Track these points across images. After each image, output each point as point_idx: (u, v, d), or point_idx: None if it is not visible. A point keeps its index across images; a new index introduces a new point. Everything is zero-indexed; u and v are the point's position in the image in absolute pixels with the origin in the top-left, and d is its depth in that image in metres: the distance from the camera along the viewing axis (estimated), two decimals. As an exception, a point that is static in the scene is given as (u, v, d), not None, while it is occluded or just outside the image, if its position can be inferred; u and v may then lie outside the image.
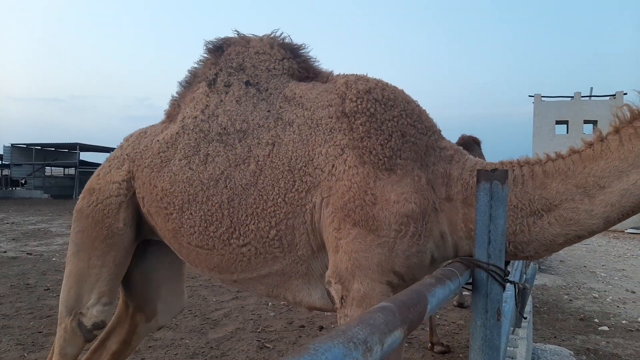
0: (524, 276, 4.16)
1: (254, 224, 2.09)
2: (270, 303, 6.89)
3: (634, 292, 8.26)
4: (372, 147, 1.95)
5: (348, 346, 0.62)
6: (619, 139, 1.76)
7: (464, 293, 7.39)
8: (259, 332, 5.62)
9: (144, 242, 2.66)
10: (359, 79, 2.17)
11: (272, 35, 2.43)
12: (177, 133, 2.37)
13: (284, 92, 2.25)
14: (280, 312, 6.43)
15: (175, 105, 2.57)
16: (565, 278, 9.25)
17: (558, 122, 19.45)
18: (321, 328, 5.78)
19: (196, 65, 2.56)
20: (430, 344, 4.97)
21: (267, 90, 2.29)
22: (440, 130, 2.19)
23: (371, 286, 1.82)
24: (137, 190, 2.45)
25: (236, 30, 2.48)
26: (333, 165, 1.98)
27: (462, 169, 2.01)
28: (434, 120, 2.21)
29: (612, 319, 6.59)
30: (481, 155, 5.89)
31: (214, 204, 2.16)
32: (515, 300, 2.57)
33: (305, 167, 2.02)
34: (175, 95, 2.61)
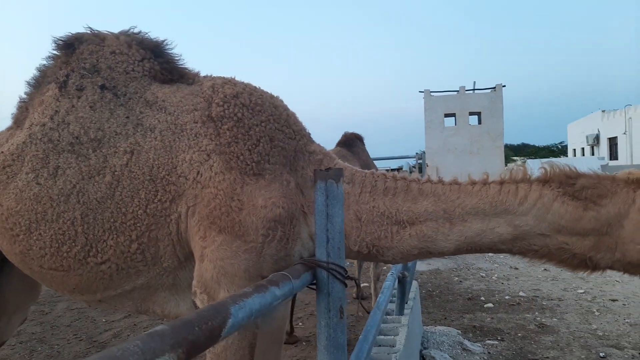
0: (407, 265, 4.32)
1: (112, 239, 1.96)
2: (165, 319, 6.58)
3: (517, 269, 8.98)
4: (239, 153, 1.91)
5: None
6: (499, 189, 1.89)
7: (363, 285, 7.59)
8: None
9: None
10: (226, 82, 2.10)
11: (129, 33, 2.25)
12: (23, 143, 2.14)
13: (144, 96, 2.11)
14: (177, 325, 6.16)
15: (23, 109, 2.31)
16: (457, 260, 9.83)
17: (447, 115, 20.72)
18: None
19: (45, 63, 2.30)
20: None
21: (125, 94, 2.12)
22: (309, 134, 2.19)
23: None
24: None
25: (89, 27, 2.26)
26: (198, 172, 1.89)
27: None
28: (304, 124, 2.22)
29: (496, 295, 7.10)
30: (364, 151, 6.05)
31: (65, 221, 1.98)
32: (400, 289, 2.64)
33: (168, 175, 1.91)
34: (23, 96, 2.33)
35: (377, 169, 6.38)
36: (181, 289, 2.05)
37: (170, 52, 2.25)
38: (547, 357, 4.70)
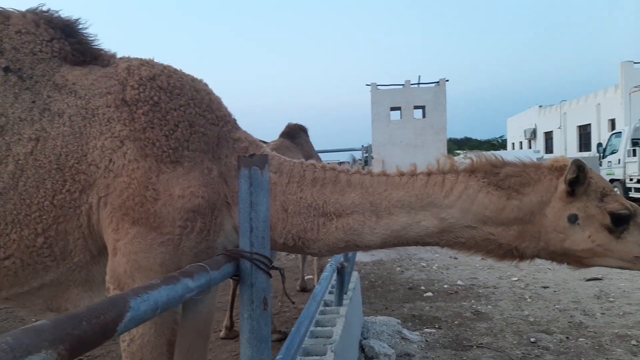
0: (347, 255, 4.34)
1: (15, 232, 1.80)
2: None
3: (456, 258, 9.25)
4: (155, 139, 1.79)
5: None
6: (426, 181, 1.88)
7: (307, 277, 7.60)
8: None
9: None
10: (143, 64, 1.96)
11: (37, 10, 2.07)
12: None
13: (53, 79, 1.95)
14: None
15: None
16: (400, 251, 10.03)
17: (392, 109, 21.11)
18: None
19: None
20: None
21: (32, 77, 1.95)
22: (235, 121, 2.09)
23: None
24: None
25: None
26: (111, 160, 1.77)
27: None
28: (229, 110, 2.10)
29: (436, 284, 7.30)
30: (307, 142, 6.02)
31: None
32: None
33: (77, 164, 1.78)
34: None
35: (321, 161, 6.38)
36: (95, 285, 1.93)
37: (83, 31, 2.09)
38: (482, 343, 4.86)
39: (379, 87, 21.02)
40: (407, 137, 20.80)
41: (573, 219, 1.76)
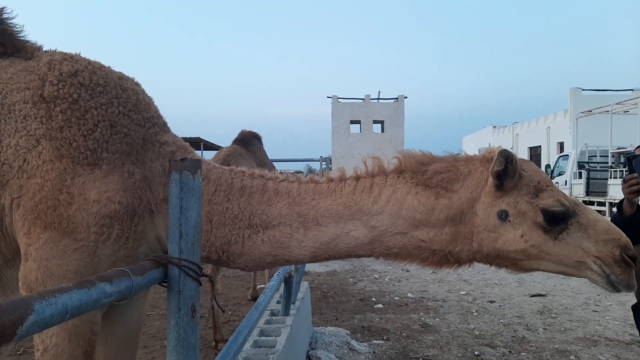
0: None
1: None
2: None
3: (408, 271, 9.38)
4: (72, 139, 1.70)
5: None
6: (354, 187, 1.77)
7: (260, 286, 7.52)
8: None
9: None
10: (67, 58, 1.87)
11: None
12: None
13: None
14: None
15: None
16: (354, 262, 10.09)
17: (352, 122, 21.37)
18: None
19: None
20: (215, 342, 4.90)
21: None
22: (164, 123, 2.00)
23: None
24: None
25: None
26: (25, 160, 1.68)
27: None
28: (159, 111, 2.03)
29: (387, 296, 7.37)
30: (261, 150, 6.01)
31: None
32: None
33: None
34: None
35: (275, 169, 6.37)
36: (9, 290, 1.83)
37: (5, 21, 1.98)
38: (427, 356, 4.93)
39: (339, 100, 21.23)
40: (366, 150, 21.05)
41: (503, 216, 1.63)
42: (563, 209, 1.61)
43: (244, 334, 2.25)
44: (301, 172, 9.08)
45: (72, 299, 0.96)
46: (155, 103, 2.02)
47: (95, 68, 1.87)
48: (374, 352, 5.05)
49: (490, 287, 7.92)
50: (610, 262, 1.58)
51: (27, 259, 1.64)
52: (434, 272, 9.25)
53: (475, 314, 6.40)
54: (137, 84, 1.99)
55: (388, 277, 8.81)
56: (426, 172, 1.74)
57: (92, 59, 1.92)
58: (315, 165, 15.52)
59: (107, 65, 1.94)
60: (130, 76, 1.98)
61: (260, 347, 3.13)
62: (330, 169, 15.54)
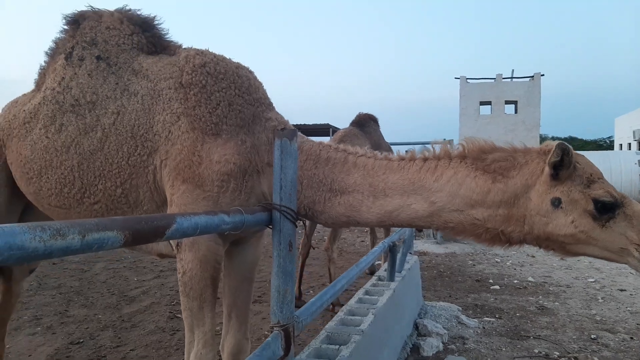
0: (402, 238, 4.61)
1: (102, 184, 2.33)
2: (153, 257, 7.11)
3: (534, 257, 9.06)
4: (201, 115, 2.20)
5: (34, 229, 0.90)
6: (420, 166, 2.00)
7: (377, 262, 7.91)
8: (173, 304, 5.84)
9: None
10: (199, 53, 2.39)
11: (122, 10, 2.61)
12: (39, 103, 2.55)
13: (132, 66, 2.45)
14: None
15: (42, 75, 2.73)
16: (475, 246, 9.98)
17: (482, 103, 20.50)
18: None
19: (58, 36, 2.70)
20: (331, 306, 5.41)
21: (116, 64, 2.47)
22: (271, 104, 2.45)
23: None
24: (7, 157, 2.66)
25: (90, 5, 2.64)
26: (170, 131, 2.22)
27: None
28: (267, 93, 2.47)
29: (505, 279, 7.28)
30: (376, 131, 6.31)
31: (66, 167, 2.38)
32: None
33: (146, 133, 2.26)
34: (43, 64, 2.75)
35: (390, 150, 6.64)
36: None
37: (157, 27, 2.59)
38: (539, 335, 4.90)
39: (468, 80, 20.49)
40: (496, 133, 20.13)
41: (556, 203, 1.77)
42: (612, 200, 1.74)
43: (341, 283, 2.63)
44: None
45: (201, 220, 1.41)
46: (264, 87, 2.48)
47: (218, 60, 2.37)
48: (484, 327, 5.14)
49: (623, 276, 7.37)
50: None
51: (171, 204, 2.19)
52: (561, 258, 8.82)
53: (600, 300, 6.09)
54: (250, 72, 2.46)
55: (510, 261, 8.62)
56: (486, 160, 1.88)
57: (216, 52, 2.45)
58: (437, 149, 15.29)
59: (227, 57, 2.44)
60: (245, 65, 2.47)
61: (364, 303, 3.52)
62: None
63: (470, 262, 8.60)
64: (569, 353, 4.45)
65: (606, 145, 50.43)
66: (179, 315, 5.41)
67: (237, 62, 2.45)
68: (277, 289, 1.83)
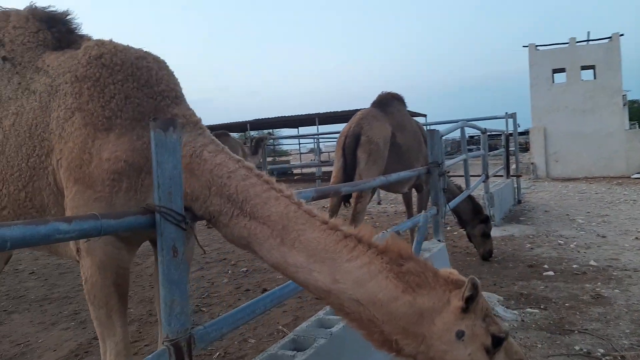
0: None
1: (5, 188, 2.27)
2: (229, 271, 7.14)
3: (604, 237, 8.18)
4: (94, 110, 2.07)
5: None
6: (340, 238, 1.84)
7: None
8: (203, 297, 5.87)
9: None
10: (98, 44, 2.25)
11: (31, 7, 2.53)
12: None
13: (36, 64, 2.37)
14: (234, 279, 6.67)
15: None
16: (539, 227, 9.20)
17: (555, 71, 18.83)
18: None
19: None
20: None
21: (21, 64, 2.40)
22: (177, 97, 2.25)
23: (93, 238, 1.97)
24: None
25: (0, 6, 2.58)
26: (63, 128, 2.10)
27: (193, 138, 2.07)
28: (177, 84, 2.28)
29: (563, 264, 6.59)
30: (400, 112, 5.85)
31: None
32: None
33: (43, 132, 2.16)
34: None
35: (419, 127, 6.17)
36: None
37: (66, 22, 2.48)
38: (586, 329, 4.34)
39: (538, 47, 18.88)
40: (573, 101, 18.42)
41: (460, 335, 1.77)
42: (504, 335, 1.82)
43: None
44: (485, 131, 8.52)
45: (13, 232, 1.23)
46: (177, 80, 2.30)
47: (117, 50, 2.21)
48: (523, 320, 4.65)
49: None
50: None
51: (66, 209, 2.09)
52: (637, 238, 7.88)
53: (671, 288, 5.31)
54: (156, 62, 2.27)
55: (575, 243, 7.81)
56: (402, 266, 1.82)
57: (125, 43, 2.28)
58: (500, 124, 14.24)
59: (133, 47, 2.27)
60: (155, 55, 2.28)
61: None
62: (519, 127, 14.12)
63: (529, 245, 7.90)
64: (616, 351, 3.89)
65: None
66: (204, 309, 5.42)
67: (143, 52, 2.28)
68: (163, 300, 1.65)
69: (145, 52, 2.29)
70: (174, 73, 2.33)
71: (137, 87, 2.13)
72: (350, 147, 5.22)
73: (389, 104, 5.70)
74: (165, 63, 2.33)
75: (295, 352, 2.42)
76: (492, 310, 1.91)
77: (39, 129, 2.18)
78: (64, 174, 2.08)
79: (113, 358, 1.97)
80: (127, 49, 2.26)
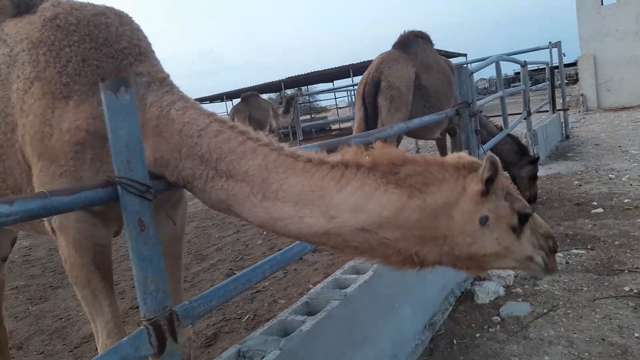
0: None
1: None
2: (264, 232, 7.12)
3: (663, 166, 7.58)
4: (50, 77, 1.88)
5: None
6: (326, 173, 1.63)
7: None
8: (237, 261, 5.88)
9: None
10: (54, 4, 2.04)
11: None
12: None
13: None
14: (268, 240, 6.64)
15: None
16: (588, 162, 8.64)
17: (603, -9, 17.32)
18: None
19: None
20: None
21: None
22: (144, 54, 2.02)
23: (64, 215, 1.85)
24: None
25: None
26: (24, 101, 1.93)
27: (159, 97, 1.87)
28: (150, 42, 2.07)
29: (614, 199, 6.15)
30: (425, 51, 5.40)
31: None
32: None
33: (5, 107, 2.01)
34: None
35: (449, 67, 5.74)
36: None
37: None
38: (638, 268, 4.03)
39: (583, -33, 17.36)
40: (625, 24, 16.92)
41: (484, 221, 1.61)
42: (530, 211, 1.69)
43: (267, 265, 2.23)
44: (524, 64, 7.95)
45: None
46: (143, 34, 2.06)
47: (73, 9, 1.99)
48: (567, 262, 4.37)
49: None
50: (548, 253, 1.71)
51: (34, 187, 1.94)
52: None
53: None
54: (117, 16, 2.04)
55: (627, 176, 7.27)
56: (398, 173, 1.63)
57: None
58: (544, 55, 13.27)
59: (94, 4, 2.05)
60: (116, 9, 2.05)
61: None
62: (564, 56, 13.15)
63: (576, 182, 7.43)
64: (671, 290, 3.57)
65: None
66: (237, 272, 5.42)
67: (102, 7, 2.05)
68: (136, 278, 1.52)
69: (106, 7, 2.07)
70: (140, 26, 2.11)
71: (95, 47, 1.93)
72: (370, 95, 4.91)
73: (411, 44, 5.28)
74: (129, 17, 2.10)
75: (306, 316, 2.29)
76: (511, 187, 1.73)
77: (1, 104, 2.03)
78: (28, 150, 1.94)
79: (105, 338, 1.90)
80: (84, 6, 2.05)
